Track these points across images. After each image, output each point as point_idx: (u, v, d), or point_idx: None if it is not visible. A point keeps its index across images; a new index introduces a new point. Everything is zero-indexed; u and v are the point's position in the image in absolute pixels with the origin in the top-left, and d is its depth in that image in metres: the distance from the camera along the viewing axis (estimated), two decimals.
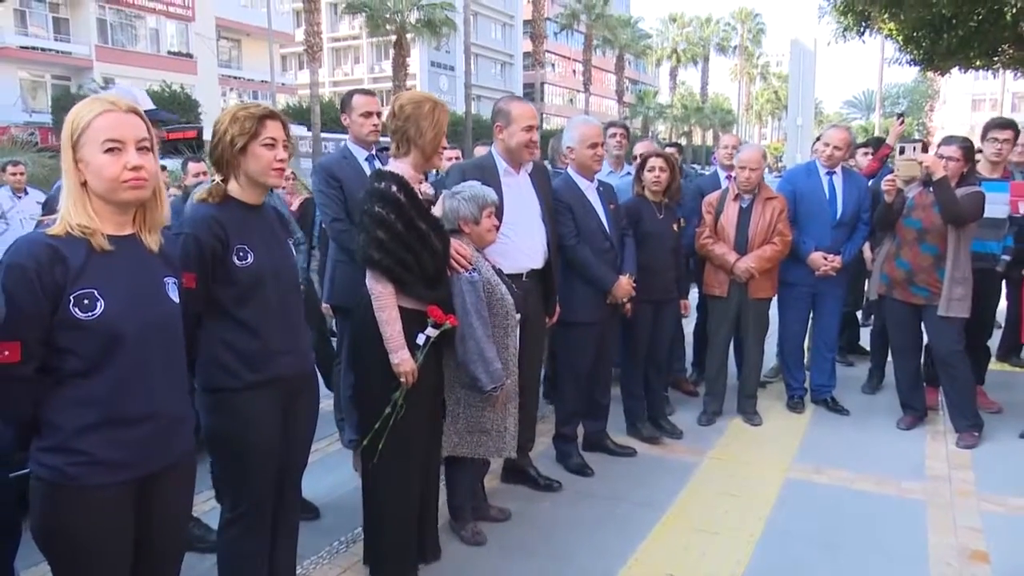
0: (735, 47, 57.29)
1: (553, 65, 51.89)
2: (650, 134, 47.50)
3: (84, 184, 1.55)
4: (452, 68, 43.71)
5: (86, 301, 1.52)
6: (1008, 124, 4.40)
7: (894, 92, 60.32)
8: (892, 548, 2.99)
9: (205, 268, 1.97)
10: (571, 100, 53.36)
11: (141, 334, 1.59)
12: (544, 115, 47.84)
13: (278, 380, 2.12)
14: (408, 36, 29.65)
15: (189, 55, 30.11)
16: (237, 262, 2.01)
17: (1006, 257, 4.51)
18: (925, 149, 4.52)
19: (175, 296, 1.70)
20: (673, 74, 57.85)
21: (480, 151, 4.70)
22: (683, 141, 52.80)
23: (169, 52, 29.77)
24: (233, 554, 2.22)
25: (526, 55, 48.07)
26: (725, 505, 3.37)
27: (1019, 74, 9.79)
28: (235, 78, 33.19)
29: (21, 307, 1.47)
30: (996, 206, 4.09)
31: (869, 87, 58.71)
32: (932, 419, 4.40)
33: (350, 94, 3.65)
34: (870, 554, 2.95)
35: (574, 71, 51.25)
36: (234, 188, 2.09)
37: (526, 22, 47.80)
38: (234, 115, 2.03)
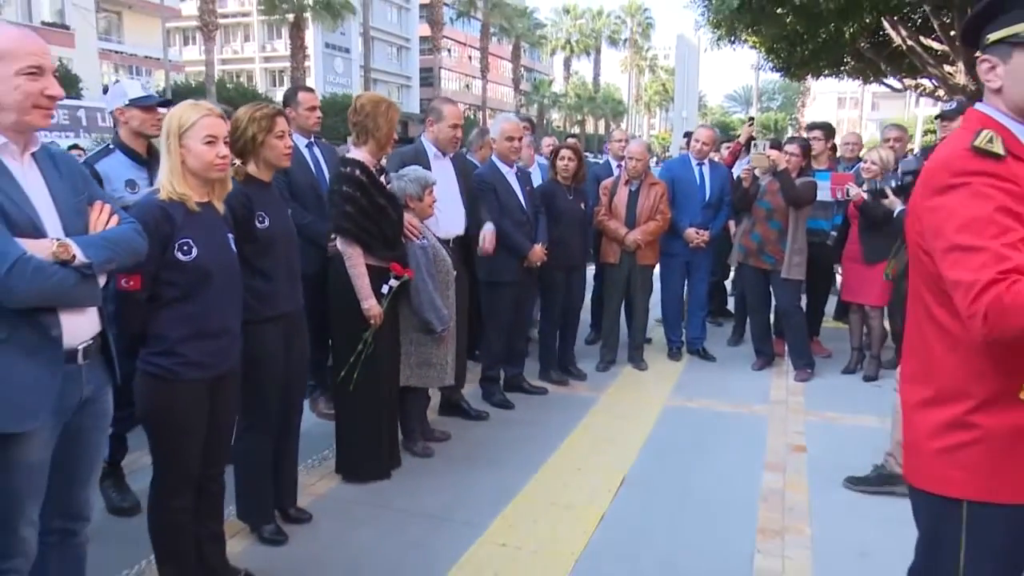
0: (625, 40, 59.52)
1: (450, 51, 52.13)
2: (545, 122, 48.80)
3: (182, 163, 2.16)
4: (347, 50, 43.20)
5: (185, 247, 2.15)
6: (817, 126, 5.82)
7: (771, 88, 64.69)
8: (742, 447, 3.98)
9: (237, 229, 2.58)
10: (467, 86, 53.73)
11: (220, 273, 2.23)
12: None
13: (283, 316, 2.77)
14: (304, 16, 29.32)
15: (65, 26, 28.41)
16: (258, 225, 2.64)
17: (834, 233, 5.67)
18: (776, 146, 5.61)
19: (234, 248, 2.34)
20: (567, 64, 59.48)
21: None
22: (576, 130, 54.50)
23: (43, 23, 27.96)
24: (247, 455, 2.84)
25: (423, 39, 48.03)
26: (617, 426, 4.27)
27: (860, 81, 11.44)
28: (116, 52, 31.57)
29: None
30: (820, 191, 5.21)
31: (749, 83, 62.73)
32: (778, 363, 5.51)
33: (294, 90, 4.22)
34: (726, 452, 3.92)
35: (470, 57, 51.70)
36: (252, 169, 2.71)
37: (423, 6, 47.76)
38: (251, 115, 2.64)
